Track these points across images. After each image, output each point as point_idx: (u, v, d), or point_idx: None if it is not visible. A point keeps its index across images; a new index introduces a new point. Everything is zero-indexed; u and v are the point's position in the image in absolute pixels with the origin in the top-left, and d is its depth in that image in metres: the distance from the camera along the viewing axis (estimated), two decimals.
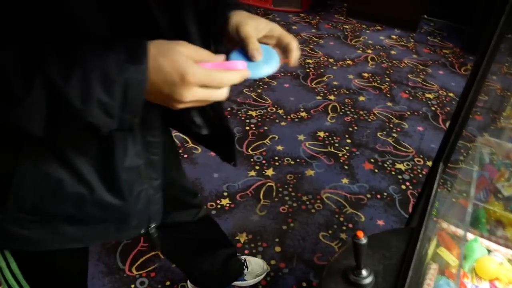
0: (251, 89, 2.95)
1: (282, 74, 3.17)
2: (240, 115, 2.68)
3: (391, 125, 2.70)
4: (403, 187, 2.24)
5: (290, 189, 2.16)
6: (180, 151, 2.36)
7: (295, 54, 0.72)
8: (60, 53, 0.47)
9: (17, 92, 0.45)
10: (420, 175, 2.33)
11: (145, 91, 0.51)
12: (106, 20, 0.54)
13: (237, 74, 0.57)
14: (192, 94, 0.53)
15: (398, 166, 2.38)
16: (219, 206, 2.03)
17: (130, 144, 0.68)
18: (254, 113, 2.70)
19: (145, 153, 0.73)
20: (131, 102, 0.50)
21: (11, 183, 0.61)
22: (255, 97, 2.87)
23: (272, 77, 3.12)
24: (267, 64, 0.66)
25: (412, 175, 2.32)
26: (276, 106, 2.79)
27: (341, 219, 2.02)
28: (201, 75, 0.52)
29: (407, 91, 3.07)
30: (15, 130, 0.49)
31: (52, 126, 0.49)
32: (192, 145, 2.40)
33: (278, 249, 1.84)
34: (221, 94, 0.56)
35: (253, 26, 0.69)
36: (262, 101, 2.84)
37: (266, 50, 0.68)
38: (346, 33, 3.90)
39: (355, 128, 2.64)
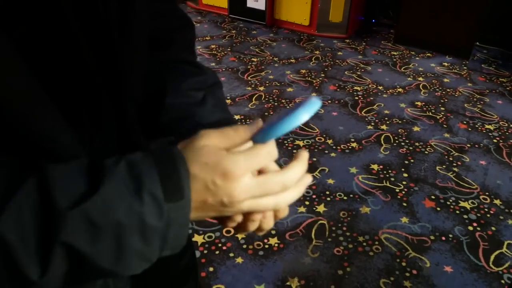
0: None
1: (329, 101, 3.01)
2: (287, 144, 2.52)
3: (451, 158, 2.47)
4: (470, 228, 2.01)
5: (344, 228, 1.96)
6: None
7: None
8: (79, 210, 0.35)
9: (29, 275, 0.34)
10: (488, 215, 2.09)
11: (188, 223, 0.41)
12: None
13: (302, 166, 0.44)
14: (244, 188, 0.40)
15: (462, 204, 2.15)
16: (266, 246, 1.86)
17: None
18: (301, 143, 2.54)
19: None
20: (173, 240, 0.41)
21: None
22: (301, 126, 2.72)
23: None
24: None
25: (479, 214, 2.09)
26: (324, 135, 2.63)
27: (403, 264, 1.81)
28: (245, 163, 0.40)
29: (464, 122, 2.85)
30: None
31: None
32: None
33: None
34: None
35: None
36: (310, 130, 2.68)
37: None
38: (394, 59, 3.72)
39: (412, 161, 2.43)
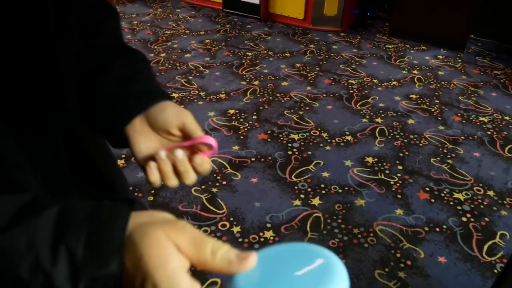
0: (292, 111, 2.81)
1: (324, 95, 3.02)
2: (282, 138, 2.53)
3: (445, 151, 2.49)
4: (464, 219, 2.02)
5: (339, 221, 1.97)
6: (218, 177, 2.22)
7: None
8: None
9: None
10: (482, 206, 2.10)
11: None
12: None
13: None
14: None
15: (456, 195, 2.16)
16: (262, 240, 1.86)
17: None
18: (296, 137, 2.55)
19: None
20: None
21: None
22: (296, 119, 2.72)
23: (313, 98, 2.98)
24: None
25: (472, 206, 2.10)
26: (319, 129, 2.63)
27: (398, 255, 1.82)
28: None
29: (459, 114, 2.86)
30: None
31: None
32: (231, 170, 2.27)
33: None
34: None
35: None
36: (304, 123, 2.68)
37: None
38: (389, 53, 3.72)
39: (406, 153, 2.45)
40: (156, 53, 3.63)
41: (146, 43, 3.81)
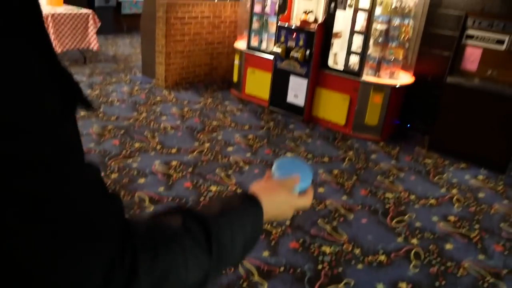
0: (326, 220, 2.79)
1: (360, 206, 3.00)
2: (313, 249, 2.49)
3: (486, 285, 2.36)
4: None
5: None
6: (244, 284, 2.19)
7: None
8: (218, 223, 0.59)
9: (204, 258, 0.54)
10: None
11: (261, 229, 0.68)
12: None
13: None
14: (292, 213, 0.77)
15: None
16: None
17: None
18: (328, 249, 2.51)
19: None
20: (253, 237, 0.65)
21: None
22: (329, 231, 2.69)
23: (349, 208, 2.96)
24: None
25: None
26: (352, 243, 2.58)
27: None
28: (300, 204, 0.77)
29: (501, 243, 2.74)
30: None
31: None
32: (258, 278, 2.23)
33: None
34: None
35: None
36: (338, 235, 2.65)
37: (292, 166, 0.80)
38: (427, 168, 3.72)
39: (443, 283, 2.33)
40: (201, 142, 3.79)
41: (193, 132, 4.00)
